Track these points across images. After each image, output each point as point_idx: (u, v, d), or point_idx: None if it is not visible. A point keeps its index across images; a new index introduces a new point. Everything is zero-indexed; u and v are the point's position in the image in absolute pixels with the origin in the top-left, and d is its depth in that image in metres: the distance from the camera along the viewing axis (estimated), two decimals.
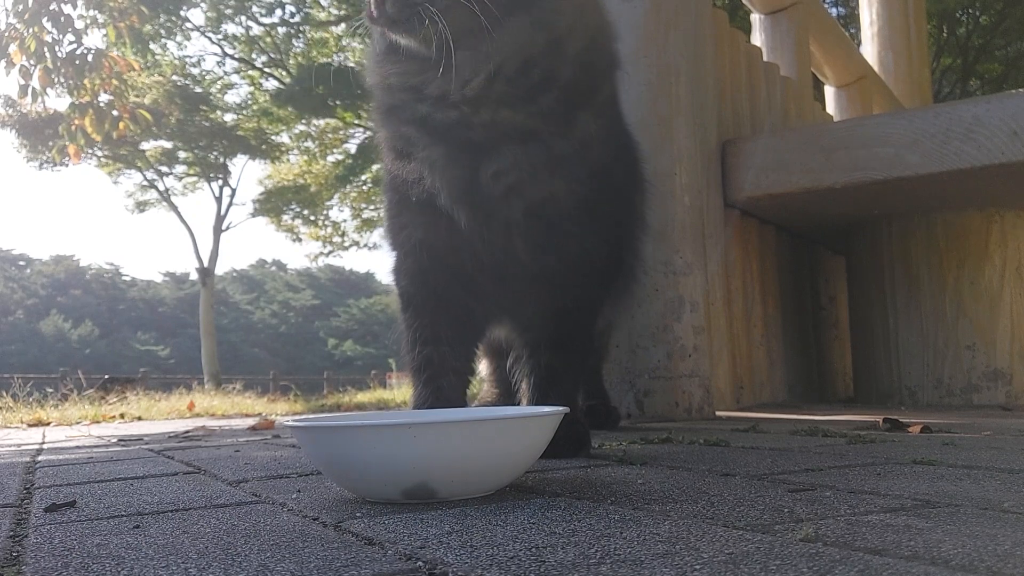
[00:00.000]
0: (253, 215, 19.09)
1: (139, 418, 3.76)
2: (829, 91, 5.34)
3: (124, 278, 44.16)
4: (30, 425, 3.36)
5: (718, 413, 2.46)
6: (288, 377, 18.54)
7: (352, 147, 16.02)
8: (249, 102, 16.79)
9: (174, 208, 18.50)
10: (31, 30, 5.57)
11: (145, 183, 18.42)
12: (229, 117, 17.12)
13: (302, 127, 16.35)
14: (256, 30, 15.71)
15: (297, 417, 1.61)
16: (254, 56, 16.05)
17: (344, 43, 14.94)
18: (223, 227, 18.70)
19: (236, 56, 16.14)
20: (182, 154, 17.90)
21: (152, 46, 14.28)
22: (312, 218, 18.41)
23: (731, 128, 3.02)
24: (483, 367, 2.01)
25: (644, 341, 2.28)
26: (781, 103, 3.53)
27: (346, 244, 18.92)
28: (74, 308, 38.49)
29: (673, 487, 0.98)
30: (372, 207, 17.01)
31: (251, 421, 3.12)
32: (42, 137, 14.55)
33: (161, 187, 18.50)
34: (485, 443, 0.91)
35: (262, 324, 40.85)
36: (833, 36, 4.83)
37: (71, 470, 1.40)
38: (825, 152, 2.72)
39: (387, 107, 1.34)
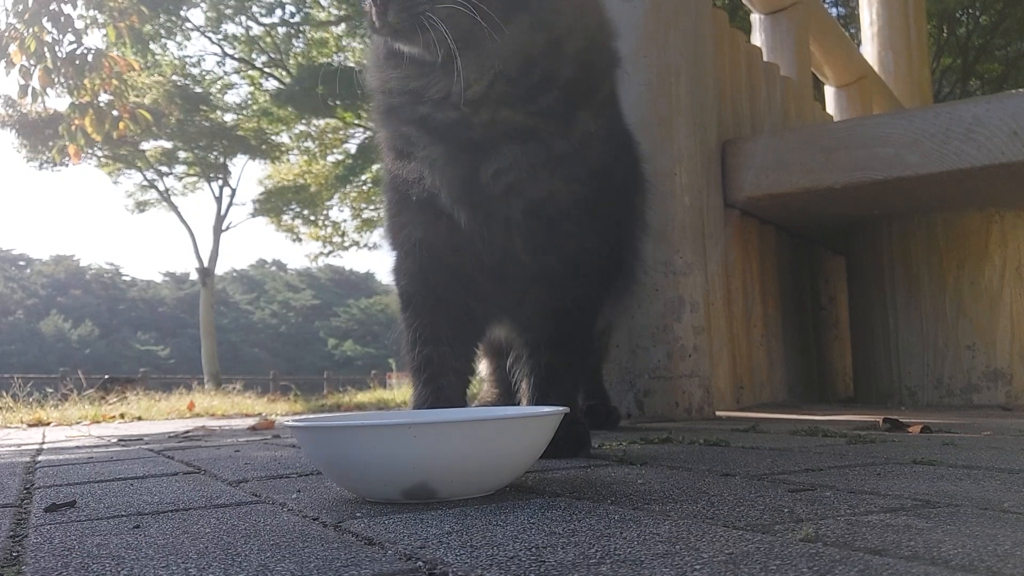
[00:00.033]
0: (253, 215, 19.09)
1: (139, 418, 3.76)
2: (829, 91, 5.34)
3: (124, 278, 44.20)
4: (30, 425, 3.36)
5: (718, 413, 2.46)
6: (288, 377, 18.54)
7: (352, 147, 16.04)
8: (249, 102, 16.80)
9: (174, 208, 18.52)
10: (31, 30, 5.57)
11: (145, 183, 18.43)
12: (229, 117, 17.13)
13: (302, 127, 16.36)
14: (256, 30, 15.72)
15: (297, 417, 1.61)
16: (254, 56, 16.05)
17: (344, 43, 14.95)
18: (223, 227, 18.71)
19: (236, 56, 16.15)
20: (182, 154, 17.90)
21: (152, 46, 14.28)
22: (312, 218, 18.41)
23: (731, 128, 3.02)
24: (483, 367, 2.01)
25: (644, 341, 2.28)
26: (781, 103, 3.53)
27: (346, 244, 18.93)
28: (74, 308, 38.50)
29: (673, 487, 0.98)
30: (372, 207, 17.02)
31: (251, 421, 3.12)
32: (42, 137, 14.55)
33: (161, 187, 18.51)
34: (485, 443, 0.91)
35: (262, 324, 40.86)
36: (833, 36, 4.83)
37: (71, 470, 1.40)
38: (825, 152, 2.72)
39: (387, 108, 1.34)
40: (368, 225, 17.87)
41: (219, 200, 18.74)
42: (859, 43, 6.28)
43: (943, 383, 2.97)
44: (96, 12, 6.42)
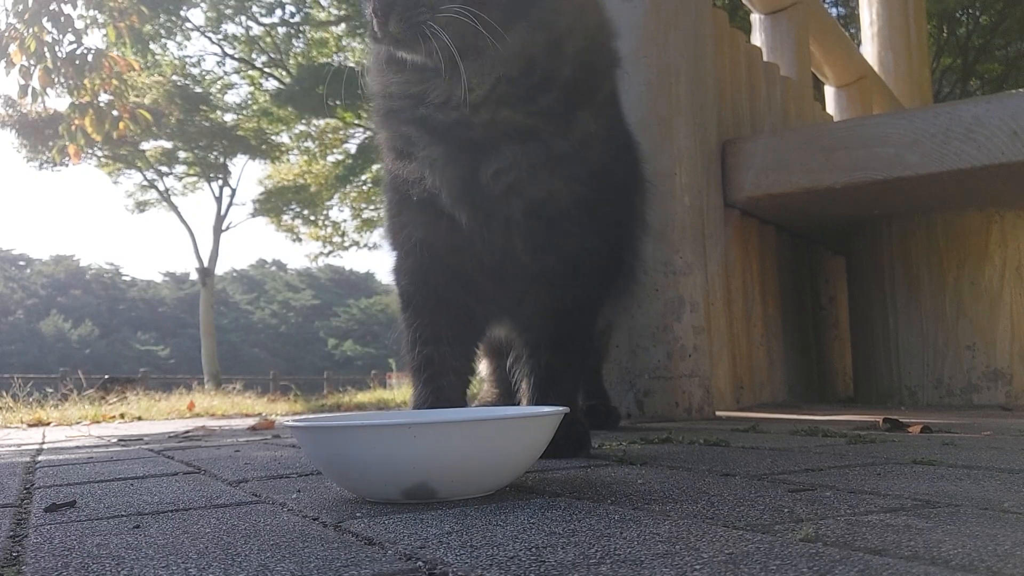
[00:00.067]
0: (253, 215, 19.09)
1: (139, 418, 3.76)
2: (829, 91, 5.34)
3: (124, 278, 44.20)
4: (30, 425, 3.36)
5: (718, 413, 2.46)
6: (288, 377, 18.54)
7: (352, 147, 16.04)
8: (249, 102, 16.80)
9: (174, 208, 18.51)
10: (31, 30, 5.57)
11: (145, 183, 18.43)
12: (229, 117, 17.13)
13: (302, 127, 16.36)
14: (256, 30, 15.73)
15: (297, 417, 1.61)
16: (254, 56, 16.05)
17: (344, 43, 14.95)
18: (223, 227, 18.71)
19: (236, 56, 16.15)
20: (182, 154, 17.89)
21: (152, 46, 14.28)
22: (312, 218, 18.41)
23: (731, 128, 3.02)
24: (483, 367, 2.01)
25: (644, 341, 2.28)
26: (781, 103, 3.53)
27: (346, 244, 18.93)
28: (74, 308, 38.50)
29: (673, 487, 0.98)
30: (372, 207, 17.02)
31: (251, 421, 3.12)
32: (42, 137, 14.55)
33: (161, 187, 18.51)
34: (485, 443, 0.91)
35: (262, 324, 40.86)
36: (833, 36, 4.83)
37: (71, 470, 1.40)
38: (825, 152, 2.72)
39: (387, 110, 1.35)
40: (368, 225, 17.88)
41: (219, 200, 18.75)
42: (859, 43, 6.28)
43: (943, 383, 2.97)
44: (96, 12, 6.42)
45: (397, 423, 0.88)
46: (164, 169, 18.23)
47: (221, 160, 18.04)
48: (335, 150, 16.75)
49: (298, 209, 18.23)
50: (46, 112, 10.99)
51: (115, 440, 2.19)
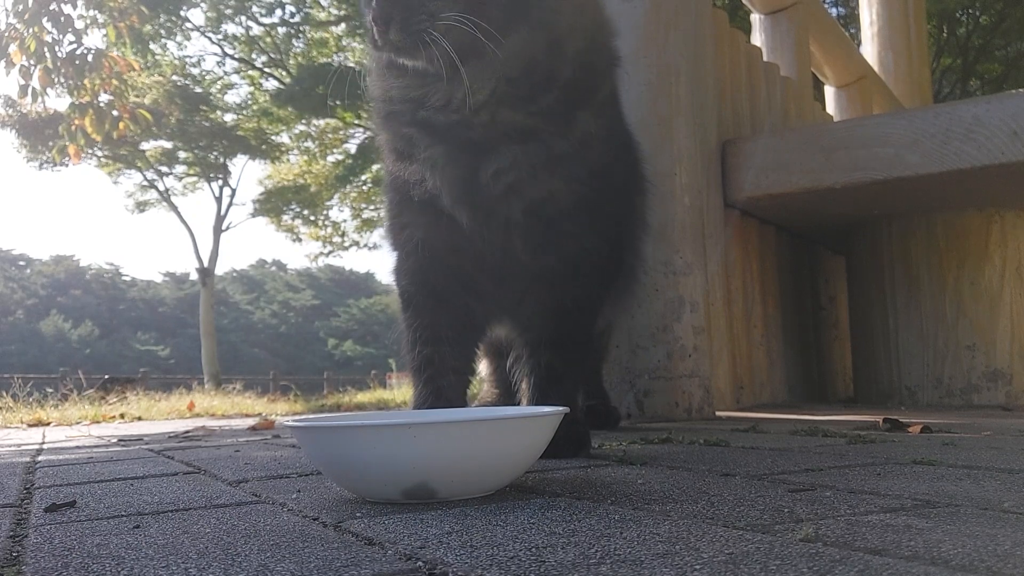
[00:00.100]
0: (253, 215, 19.09)
1: (139, 418, 3.76)
2: (829, 91, 5.34)
3: (124, 278, 44.19)
4: (30, 425, 3.36)
5: (718, 413, 2.46)
6: (288, 377, 18.54)
7: (352, 147, 16.04)
8: (249, 102, 16.80)
9: (174, 208, 18.51)
10: (31, 30, 5.57)
11: (145, 183, 18.43)
12: (229, 117, 17.13)
13: (302, 127, 16.36)
14: (256, 30, 15.73)
15: (297, 417, 1.61)
16: (254, 56, 16.05)
17: (344, 43, 14.95)
18: (223, 227, 18.70)
19: (236, 56, 16.15)
20: (182, 154, 17.89)
21: (152, 46, 14.29)
22: (312, 218, 18.40)
23: (731, 128, 3.02)
24: (483, 367, 2.01)
25: (644, 341, 2.28)
26: (781, 103, 3.53)
27: (346, 244, 18.93)
28: (74, 308, 38.50)
29: (673, 487, 0.98)
30: (372, 207, 17.02)
31: (251, 421, 3.12)
32: (42, 137, 14.55)
33: (161, 187, 18.50)
34: (485, 443, 0.91)
35: (262, 324, 40.86)
36: (833, 36, 4.83)
37: (71, 470, 1.40)
38: (825, 152, 2.72)
39: (388, 112, 1.35)
40: (368, 225, 17.88)
41: (219, 200, 18.74)
42: (859, 43, 6.28)
43: (943, 383, 2.97)
44: (96, 12, 6.42)
45: (397, 423, 0.88)
46: (164, 169, 18.23)
47: (221, 160, 18.04)
48: (335, 150, 16.75)
49: (298, 209, 18.23)
50: (46, 112, 11.00)
51: (115, 440, 2.19)
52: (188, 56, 18.79)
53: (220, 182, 18.66)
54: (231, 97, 22.68)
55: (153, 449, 1.81)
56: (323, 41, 15.19)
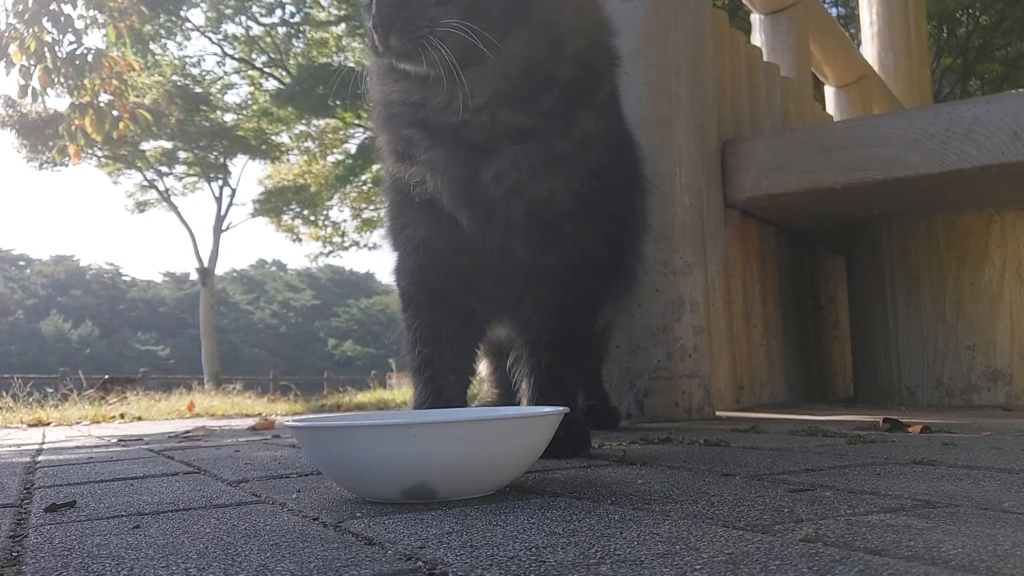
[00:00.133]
0: (253, 215, 19.08)
1: (139, 418, 3.76)
2: (829, 91, 5.34)
3: (124, 278, 44.19)
4: (30, 425, 3.36)
5: (718, 413, 2.46)
6: (288, 377, 18.54)
7: (352, 147, 16.04)
8: (249, 102, 16.80)
9: (174, 208, 18.51)
10: (31, 30, 5.57)
11: (145, 183, 18.42)
12: (229, 117, 17.12)
13: (302, 127, 16.36)
14: (256, 30, 15.73)
15: (297, 417, 1.61)
16: (254, 56, 16.05)
17: (344, 43, 14.95)
18: (223, 227, 18.70)
19: (236, 56, 16.15)
20: (182, 154, 17.89)
21: (152, 46, 14.29)
22: (312, 218, 18.40)
23: (731, 128, 3.02)
24: (483, 367, 2.01)
25: (644, 341, 2.28)
26: (781, 103, 3.53)
27: (346, 244, 18.93)
28: (74, 308, 38.49)
29: (673, 487, 0.98)
30: (372, 207, 17.02)
31: (251, 421, 3.12)
32: (42, 137, 14.54)
33: (161, 187, 18.50)
34: (485, 443, 0.91)
35: (262, 324, 40.86)
36: (833, 36, 4.83)
37: (71, 470, 1.40)
38: (825, 152, 2.72)
39: (388, 115, 1.36)
40: (368, 225, 17.88)
41: (219, 200, 18.74)
42: (859, 43, 6.28)
43: (943, 383, 2.97)
44: (96, 12, 6.42)
45: (397, 423, 0.88)
46: (164, 169, 18.23)
47: (221, 160, 18.04)
48: (335, 150, 16.75)
49: (298, 209, 18.23)
50: (46, 112, 11.00)
51: (115, 440, 2.19)
52: (188, 56, 18.81)
53: (220, 182, 18.67)
54: (231, 97, 22.73)
55: (153, 449, 1.81)
56: (323, 41, 15.20)
